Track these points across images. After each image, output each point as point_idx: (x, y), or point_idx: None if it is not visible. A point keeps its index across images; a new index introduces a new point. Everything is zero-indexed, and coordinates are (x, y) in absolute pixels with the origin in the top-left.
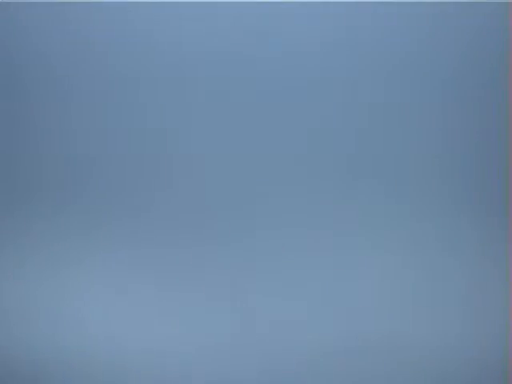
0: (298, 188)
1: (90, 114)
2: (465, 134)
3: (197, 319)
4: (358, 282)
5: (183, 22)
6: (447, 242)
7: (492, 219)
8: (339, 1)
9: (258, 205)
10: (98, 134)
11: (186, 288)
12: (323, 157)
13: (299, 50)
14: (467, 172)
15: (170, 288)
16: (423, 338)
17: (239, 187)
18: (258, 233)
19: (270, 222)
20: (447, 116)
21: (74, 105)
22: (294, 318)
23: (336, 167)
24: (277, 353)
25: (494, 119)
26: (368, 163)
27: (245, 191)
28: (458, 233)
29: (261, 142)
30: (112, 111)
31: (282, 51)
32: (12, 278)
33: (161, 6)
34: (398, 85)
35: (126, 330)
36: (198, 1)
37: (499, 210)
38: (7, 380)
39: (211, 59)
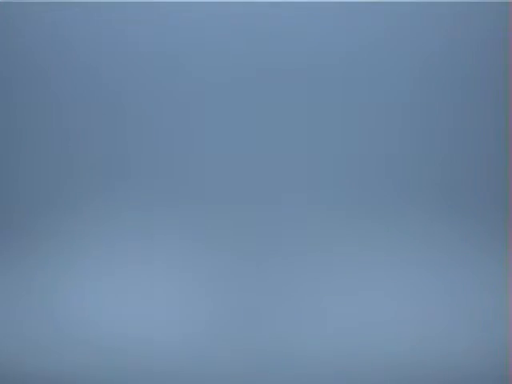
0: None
1: (87, 114)
2: (464, 134)
3: (199, 313)
4: (353, 284)
5: (182, 22)
6: (446, 244)
7: (492, 221)
8: (340, 1)
9: (261, 205)
10: (99, 134)
11: (190, 280)
12: (324, 160)
13: (300, 50)
14: (467, 172)
15: (173, 280)
16: (421, 340)
17: (238, 187)
18: (259, 237)
19: (276, 226)
20: (446, 116)
21: (73, 106)
22: (300, 328)
23: (341, 176)
24: (279, 356)
25: (494, 119)
26: (369, 165)
27: (246, 190)
28: (458, 235)
29: (266, 143)
30: (112, 113)
31: (283, 52)
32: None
33: (164, 6)
34: (397, 85)
35: (130, 321)
36: (201, 1)
37: (499, 211)
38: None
39: (213, 60)
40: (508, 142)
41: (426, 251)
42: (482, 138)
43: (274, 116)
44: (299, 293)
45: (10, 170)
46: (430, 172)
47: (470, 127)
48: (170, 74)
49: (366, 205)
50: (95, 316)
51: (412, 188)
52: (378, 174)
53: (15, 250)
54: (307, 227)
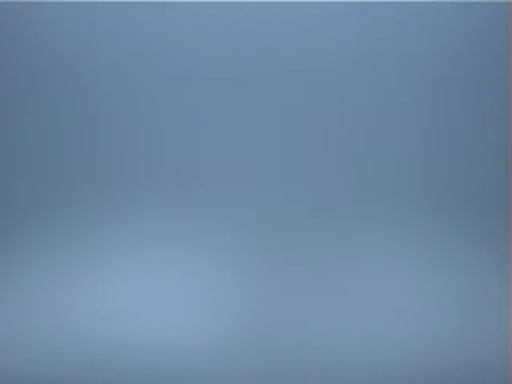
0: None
1: (86, 115)
2: (464, 134)
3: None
4: (358, 286)
5: (182, 22)
6: (446, 245)
7: (492, 222)
8: (340, 1)
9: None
10: (96, 133)
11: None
12: (326, 160)
13: (300, 50)
14: (467, 173)
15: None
16: (421, 340)
17: (237, 185)
18: (261, 235)
19: (275, 228)
20: (446, 116)
21: (72, 105)
22: (307, 326)
23: (340, 173)
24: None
25: (494, 119)
26: (369, 165)
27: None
28: (458, 237)
29: (265, 143)
30: (112, 112)
31: (283, 51)
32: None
33: (164, 6)
34: (397, 85)
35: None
36: (201, 1)
37: (499, 212)
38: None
39: (214, 59)
40: (508, 142)
41: (425, 252)
42: (482, 138)
43: (273, 116)
44: (310, 294)
45: (10, 169)
46: (430, 173)
47: (470, 127)
48: (169, 74)
49: (362, 207)
50: (94, 316)
51: (411, 188)
52: (380, 176)
53: (5, 247)
54: (313, 232)
